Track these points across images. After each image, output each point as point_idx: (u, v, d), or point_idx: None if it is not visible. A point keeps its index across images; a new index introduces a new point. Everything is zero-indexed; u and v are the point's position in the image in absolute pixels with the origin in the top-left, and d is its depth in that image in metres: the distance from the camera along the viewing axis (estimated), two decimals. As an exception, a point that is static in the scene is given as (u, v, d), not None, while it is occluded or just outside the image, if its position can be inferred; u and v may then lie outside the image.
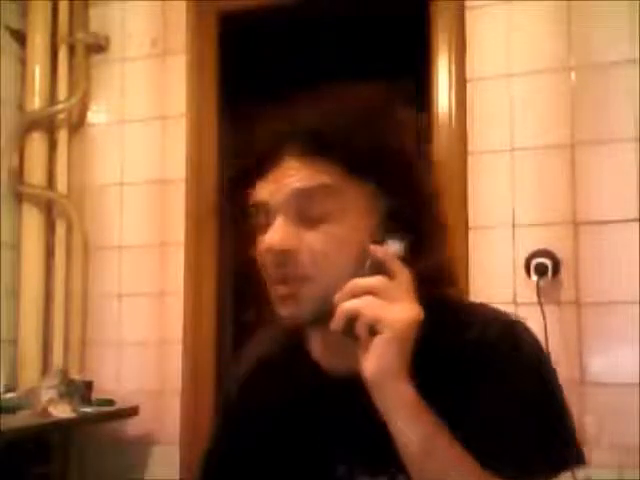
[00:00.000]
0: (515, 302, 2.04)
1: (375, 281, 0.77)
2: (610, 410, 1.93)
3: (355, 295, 0.77)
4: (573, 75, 2.08)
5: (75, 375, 2.38)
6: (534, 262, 2.02)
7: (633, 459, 1.86)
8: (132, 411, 2.36)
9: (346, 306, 0.77)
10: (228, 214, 0.93)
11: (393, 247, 0.81)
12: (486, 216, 2.11)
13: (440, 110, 2.20)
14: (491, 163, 2.13)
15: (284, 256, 0.81)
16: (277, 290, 0.83)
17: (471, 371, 0.81)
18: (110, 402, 2.34)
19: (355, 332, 0.77)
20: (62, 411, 2.09)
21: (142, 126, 2.56)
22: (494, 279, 2.07)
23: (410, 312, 0.76)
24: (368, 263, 0.80)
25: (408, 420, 0.75)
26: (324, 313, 0.80)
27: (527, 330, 0.86)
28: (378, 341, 0.75)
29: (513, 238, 2.07)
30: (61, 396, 2.14)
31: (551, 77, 2.10)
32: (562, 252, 2.03)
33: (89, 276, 2.56)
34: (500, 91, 2.14)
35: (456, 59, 2.19)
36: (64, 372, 2.30)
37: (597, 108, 2.04)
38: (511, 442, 0.78)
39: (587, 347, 1.98)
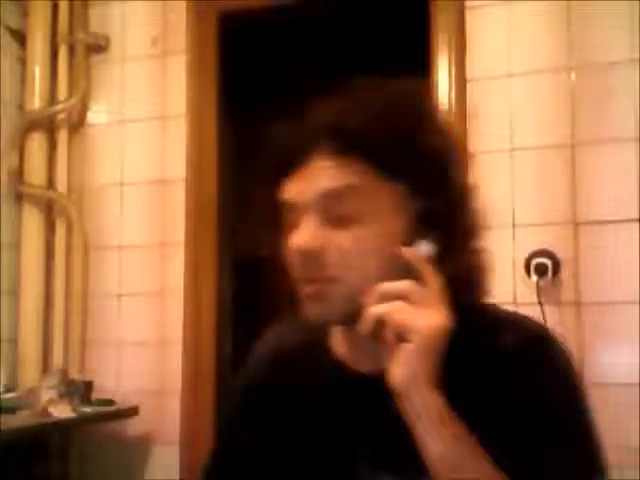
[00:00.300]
0: (515, 302, 2.04)
1: (405, 286, 0.76)
2: (610, 410, 1.93)
3: (384, 299, 0.76)
4: (573, 75, 2.08)
5: (75, 375, 2.38)
6: (534, 262, 2.02)
7: (633, 459, 1.86)
8: (132, 411, 2.37)
9: (375, 310, 0.76)
10: (257, 212, 0.92)
11: (424, 249, 0.80)
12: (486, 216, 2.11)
13: (440, 110, 2.20)
14: (491, 163, 2.12)
15: (311, 256, 0.81)
16: (304, 289, 0.83)
17: (500, 381, 0.80)
18: (110, 402, 2.34)
19: (383, 336, 0.76)
20: (62, 411, 2.09)
21: (142, 126, 2.56)
22: (494, 279, 2.07)
23: (439, 320, 0.75)
24: (398, 265, 0.78)
25: (433, 430, 0.75)
26: (351, 314, 0.79)
27: (557, 341, 0.85)
28: (406, 349, 0.74)
29: (513, 238, 2.07)
30: (61, 396, 2.14)
31: (551, 77, 2.10)
32: (562, 252, 2.03)
33: (89, 276, 2.56)
34: (500, 91, 2.14)
35: (456, 59, 2.19)
36: (64, 372, 2.30)
37: (597, 108, 2.04)
38: (538, 457, 0.78)
39: (587, 347, 1.98)
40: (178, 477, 2.36)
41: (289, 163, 0.84)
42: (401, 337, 0.75)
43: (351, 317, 0.80)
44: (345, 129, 0.81)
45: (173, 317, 2.45)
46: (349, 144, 0.80)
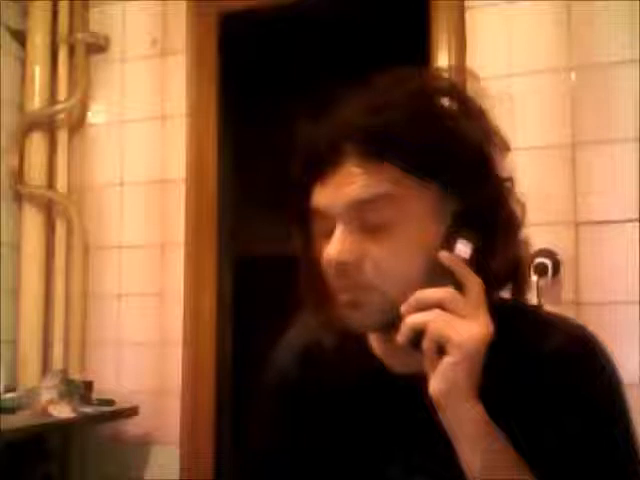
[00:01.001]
0: (515, 302, 2.04)
1: (443, 293, 0.74)
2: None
3: (422, 307, 0.74)
4: (573, 75, 2.08)
5: (75, 375, 2.39)
6: (534, 262, 2.02)
7: (633, 459, 1.86)
8: (132, 411, 2.36)
9: (412, 320, 0.74)
10: (290, 215, 0.89)
11: (463, 250, 0.77)
12: (486, 216, 2.11)
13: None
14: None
15: (347, 267, 0.78)
16: (342, 298, 0.81)
17: (544, 382, 0.79)
18: (110, 402, 2.34)
19: (422, 345, 0.74)
20: (62, 411, 2.09)
21: (142, 126, 2.56)
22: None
23: (480, 331, 0.73)
24: (436, 271, 0.76)
25: (473, 443, 0.74)
26: (390, 321, 0.78)
27: (601, 344, 0.83)
28: (446, 363, 0.72)
29: (513, 238, 2.07)
30: (61, 396, 2.14)
31: (551, 77, 2.10)
32: (562, 252, 2.03)
33: (89, 276, 2.56)
34: (500, 91, 2.14)
35: (456, 59, 2.19)
36: (64, 372, 2.30)
37: (597, 108, 2.04)
38: (580, 461, 0.77)
39: (587, 347, 1.98)
40: (178, 477, 2.36)
41: (318, 167, 0.81)
42: (441, 348, 0.73)
43: (390, 324, 0.78)
44: (374, 131, 0.77)
45: (173, 317, 2.45)
46: (379, 147, 0.77)
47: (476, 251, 0.77)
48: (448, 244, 0.77)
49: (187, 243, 2.46)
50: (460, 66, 2.18)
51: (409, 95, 0.80)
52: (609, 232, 2.00)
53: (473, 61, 2.18)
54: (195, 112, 2.50)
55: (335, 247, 0.78)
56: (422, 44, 2.24)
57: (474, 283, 0.75)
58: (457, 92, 0.85)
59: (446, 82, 0.86)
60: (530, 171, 2.09)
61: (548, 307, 1.98)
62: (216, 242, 2.49)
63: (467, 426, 0.74)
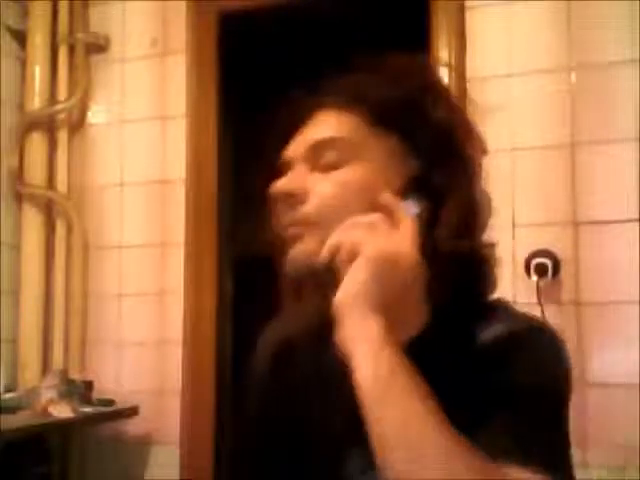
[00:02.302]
0: (515, 302, 2.03)
1: (375, 217, 0.75)
2: (610, 410, 1.93)
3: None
4: (573, 75, 2.08)
5: (75, 375, 2.38)
6: (534, 262, 2.02)
7: (633, 459, 1.86)
8: (132, 411, 2.36)
9: (335, 236, 0.75)
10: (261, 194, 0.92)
11: (411, 208, 0.77)
12: (486, 216, 2.11)
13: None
14: (491, 163, 2.12)
15: (289, 199, 0.82)
16: (285, 232, 0.83)
17: (479, 360, 0.77)
18: (110, 402, 2.34)
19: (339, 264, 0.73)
20: (62, 411, 2.09)
21: (142, 126, 2.56)
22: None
23: (402, 246, 0.72)
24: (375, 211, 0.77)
25: (365, 352, 0.69)
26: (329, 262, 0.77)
27: (552, 338, 0.81)
28: (354, 264, 0.71)
29: (513, 238, 2.07)
30: (61, 396, 2.14)
31: (551, 77, 2.10)
32: (562, 252, 2.03)
33: (89, 276, 2.56)
34: (500, 91, 2.14)
35: (456, 59, 2.19)
36: (64, 372, 2.30)
37: (597, 108, 2.04)
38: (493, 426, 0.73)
39: (587, 347, 1.98)
40: (178, 477, 2.36)
41: (295, 125, 0.87)
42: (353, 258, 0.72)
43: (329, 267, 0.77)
44: (347, 86, 0.85)
45: (173, 317, 2.45)
46: (346, 96, 0.84)
47: (421, 222, 0.76)
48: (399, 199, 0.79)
49: (187, 243, 2.46)
50: (460, 66, 2.18)
51: (385, 66, 0.86)
52: (609, 232, 2.00)
53: (473, 61, 2.19)
54: (195, 112, 2.50)
55: (282, 180, 0.83)
56: (422, 44, 2.24)
57: (408, 224, 0.75)
58: (431, 75, 0.91)
59: (425, 67, 0.92)
60: (530, 171, 2.09)
61: (548, 307, 1.99)
62: (216, 242, 2.50)
63: (363, 340, 0.69)
